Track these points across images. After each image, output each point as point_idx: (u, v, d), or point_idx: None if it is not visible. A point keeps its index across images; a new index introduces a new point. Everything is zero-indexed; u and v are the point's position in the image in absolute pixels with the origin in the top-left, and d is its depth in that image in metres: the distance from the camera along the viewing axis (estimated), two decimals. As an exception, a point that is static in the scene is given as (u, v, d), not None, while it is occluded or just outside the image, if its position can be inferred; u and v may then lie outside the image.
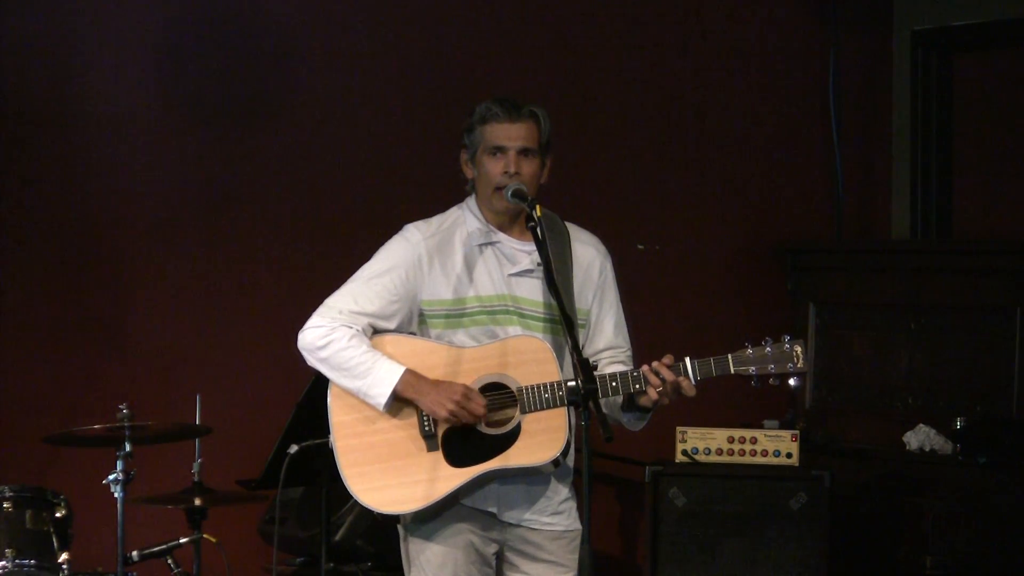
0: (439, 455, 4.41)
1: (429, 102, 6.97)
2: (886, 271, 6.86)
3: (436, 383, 4.41)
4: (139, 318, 6.97)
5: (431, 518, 4.48)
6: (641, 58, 7.16)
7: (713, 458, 6.20)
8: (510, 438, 4.39)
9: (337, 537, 6.25)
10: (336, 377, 4.46)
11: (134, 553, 5.54)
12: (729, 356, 4.40)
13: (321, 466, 5.49)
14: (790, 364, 4.41)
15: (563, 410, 4.38)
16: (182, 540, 5.69)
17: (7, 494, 5.58)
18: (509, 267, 4.52)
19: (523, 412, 4.39)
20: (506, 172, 4.46)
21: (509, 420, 4.41)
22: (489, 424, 4.42)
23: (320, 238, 6.99)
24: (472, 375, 4.43)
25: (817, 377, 6.88)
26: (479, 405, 4.38)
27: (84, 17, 6.91)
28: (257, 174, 7.05)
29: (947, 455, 6.40)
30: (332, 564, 5.85)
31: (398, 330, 4.51)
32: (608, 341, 4.60)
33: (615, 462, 6.60)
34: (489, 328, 4.48)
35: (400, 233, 4.58)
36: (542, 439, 4.38)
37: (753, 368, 4.39)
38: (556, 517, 4.53)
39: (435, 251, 4.52)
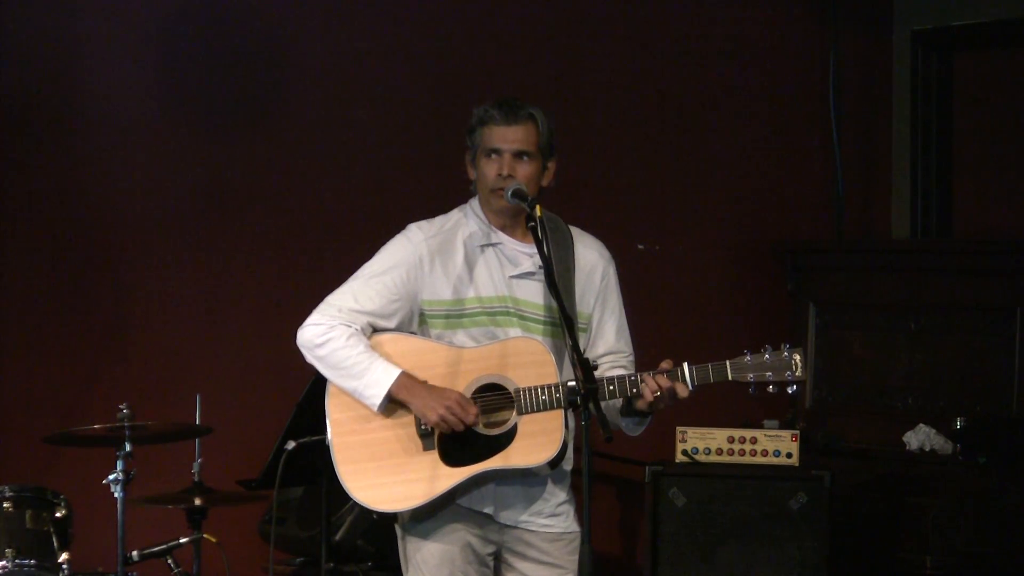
0: (435, 454, 4.41)
1: (430, 102, 6.97)
2: (886, 271, 6.86)
3: (431, 388, 4.42)
4: (139, 318, 6.96)
5: (428, 517, 4.48)
6: (641, 58, 7.16)
7: (713, 458, 6.19)
8: (506, 439, 4.39)
9: (337, 537, 6.25)
10: (333, 376, 4.46)
11: (134, 553, 5.54)
12: (727, 363, 4.40)
13: (321, 465, 5.49)
14: (788, 373, 4.40)
15: (560, 412, 4.38)
16: (182, 540, 5.69)
17: (7, 494, 5.58)
18: (510, 269, 4.52)
19: (520, 413, 4.39)
20: (500, 174, 4.46)
21: (506, 421, 4.41)
22: (486, 425, 4.43)
23: (320, 238, 6.99)
24: (470, 376, 4.44)
25: (817, 377, 6.88)
26: (470, 414, 4.38)
27: (84, 17, 6.90)
28: (257, 174, 7.05)
29: (947, 455, 6.40)
30: (332, 564, 5.85)
31: (398, 329, 4.51)
32: (609, 346, 4.60)
33: (615, 462, 6.60)
34: (489, 329, 4.48)
35: (402, 232, 4.59)
36: (538, 441, 4.38)
37: (751, 375, 4.39)
38: (553, 519, 4.53)
39: (436, 251, 4.53)
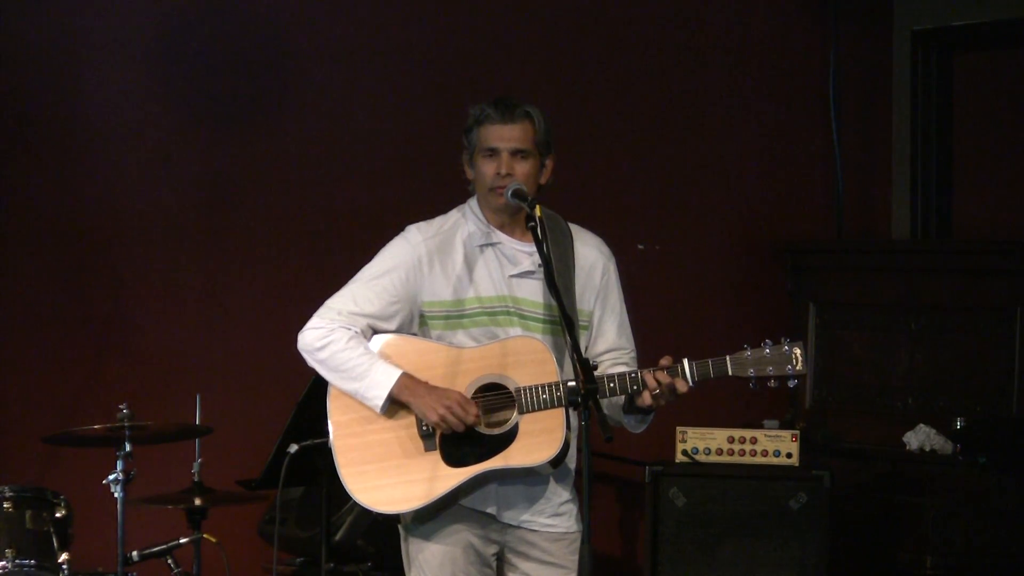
0: (437, 455, 4.41)
1: (430, 102, 6.97)
2: (886, 271, 6.86)
3: (432, 388, 4.42)
4: (139, 318, 6.97)
5: (431, 518, 4.48)
6: (641, 58, 7.16)
7: (713, 458, 6.19)
8: (508, 438, 4.39)
9: (337, 537, 6.25)
10: (334, 378, 4.46)
11: (134, 553, 5.54)
12: (727, 358, 4.40)
13: (321, 466, 5.49)
14: (789, 367, 4.40)
15: (561, 411, 4.38)
16: (182, 540, 5.69)
17: (7, 494, 5.58)
18: (510, 268, 4.52)
19: (521, 413, 4.39)
20: (498, 173, 4.46)
21: (507, 421, 4.41)
22: (487, 424, 4.43)
23: (320, 238, 6.99)
24: (471, 375, 4.44)
25: (817, 377, 6.88)
26: (471, 415, 4.38)
27: (84, 18, 6.90)
28: (257, 174, 7.05)
29: (947, 455, 6.40)
30: (332, 564, 5.85)
31: (399, 331, 4.51)
32: (610, 343, 4.60)
33: (615, 462, 6.60)
34: (489, 329, 4.48)
35: (401, 234, 4.59)
36: (540, 440, 4.38)
37: (752, 370, 4.39)
38: (556, 519, 4.53)
39: (436, 252, 4.53)
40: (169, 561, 5.67)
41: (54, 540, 5.57)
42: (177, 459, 6.07)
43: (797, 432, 6.22)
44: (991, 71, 7.14)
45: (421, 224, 4.60)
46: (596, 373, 4.34)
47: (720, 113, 7.19)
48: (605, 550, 6.89)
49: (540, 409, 4.38)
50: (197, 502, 5.76)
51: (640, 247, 7.09)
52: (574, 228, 4.62)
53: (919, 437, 6.48)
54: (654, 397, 4.36)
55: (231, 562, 5.84)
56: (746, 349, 4.40)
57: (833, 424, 6.80)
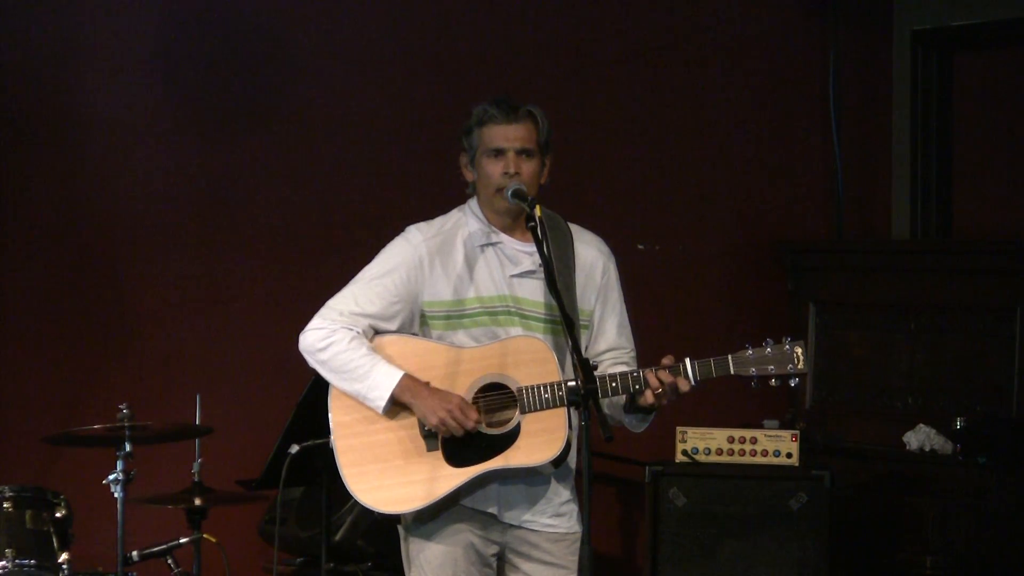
0: (439, 455, 4.41)
1: (430, 102, 6.97)
2: (886, 271, 6.86)
3: (434, 390, 4.42)
4: (139, 318, 6.96)
5: (431, 518, 4.48)
6: (641, 58, 7.16)
7: (713, 458, 6.20)
8: (510, 438, 4.39)
9: (337, 537, 6.25)
10: (335, 379, 4.46)
11: (134, 553, 5.54)
12: (729, 357, 4.40)
13: (321, 466, 5.49)
14: (790, 365, 4.40)
15: (563, 410, 4.38)
16: (182, 540, 5.70)
17: (7, 494, 5.57)
18: (511, 268, 4.52)
19: (523, 412, 4.39)
20: (505, 173, 4.46)
21: (509, 420, 4.41)
22: (489, 424, 4.42)
23: (320, 239, 6.99)
24: (472, 375, 4.44)
25: (817, 377, 6.88)
26: (470, 420, 4.38)
27: (84, 18, 6.90)
28: (257, 175, 7.05)
29: (947, 455, 6.40)
30: (332, 564, 5.85)
31: (400, 331, 4.51)
32: (611, 342, 4.60)
33: (615, 462, 6.60)
34: (490, 329, 4.48)
35: (401, 234, 4.59)
36: (542, 439, 4.38)
37: (753, 369, 4.39)
38: (557, 519, 4.53)
39: (436, 252, 4.53)
40: (169, 561, 5.67)
41: (54, 540, 5.57)
42: (177, 459, 6.06)
43: (797, 432, 6.22)
44: (991, 71, 7.14)
45: (421, 224, 4.59)
46: (597, 372, 4.36)
47: (720, 113, 7.19)
48: (605, 550, 6.89)
49: (542, 409, 4.38)
50: (197, 502, 5.76)
51: (640, 247, 7.09)
52: (574, 228, 4.63)
53: (919, 437, 6.48)
54: (656, 396, 4.36)
55: (231, 562, 5.84)
56: (747, 348, 4.40)
57: (833, 424, 6.80)
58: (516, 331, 4.48)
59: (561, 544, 4.53)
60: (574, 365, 4.21)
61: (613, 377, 4.39)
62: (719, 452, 6.19)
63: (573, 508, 4.55)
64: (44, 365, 6.88)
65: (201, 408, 5.82)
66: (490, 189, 4.49)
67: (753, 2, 7.20)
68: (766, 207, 7.22)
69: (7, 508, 5.56)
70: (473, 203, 4.59)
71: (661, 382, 4.35)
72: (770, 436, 6.18)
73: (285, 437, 5.58)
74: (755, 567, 6.04)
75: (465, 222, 4.57)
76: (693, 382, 4.37)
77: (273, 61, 7.01)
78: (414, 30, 7.07)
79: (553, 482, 4.51)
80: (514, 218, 4.53)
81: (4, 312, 6.89)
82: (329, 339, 4.45)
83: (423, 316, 4.53)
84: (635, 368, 4.49)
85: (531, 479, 4.47)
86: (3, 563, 5.44)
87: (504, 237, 4.54)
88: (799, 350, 4.41)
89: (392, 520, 4.56)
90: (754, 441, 6.18)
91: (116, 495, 5.34)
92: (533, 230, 4.34)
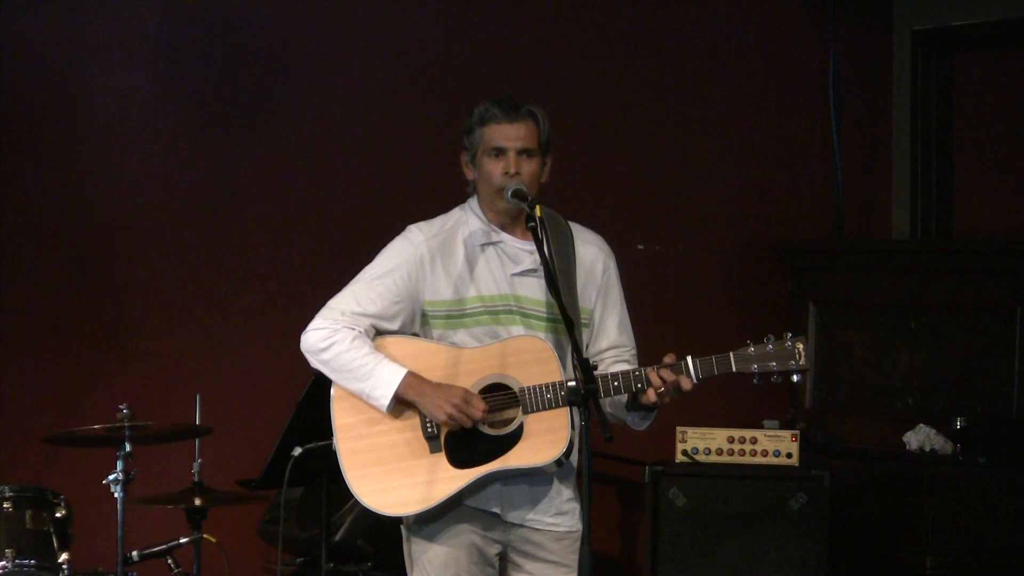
0: (442, 456, 4.41)
1: (430, 102, 6.97)
2: (886, 271, 6.86)
3: (437, 385, 4.41)
4: (139, 318, 6.96)
5: (434, 519, 4.47)
6: (641, 58, 7.16)
7: (713, 458, 6.20)
8: (513, 439, 4.39)
9: (337, 537, 6.25)
10: (339, 379, 4.46)
11: (134, 553, 5.54)
12: (731, 354, 4.40)
13: (321, 466, 5.49)
14: (792, 361, 4.40)
15: (565, 410, 4.37)
16: (182, 540, 5.69)
17: (7, 494, 5.57)
18: (512, 267, 4.52)
19: (525, 412, 4.39)
20: (506, 172, 4.46)
21: (511, 421, 4.41)
22: (491, 425, 4.42)
23: (320, 238, 6.99)
24: (474, 376, 4.43)
25: (817, 377, 6.88)
26: (478, 409, 4.38)
27: (84, 17, 6.90)
28: (257, 174, 7.04)
29: (947, 455, 6.40)
30: (332, 564, 5.85)
31: (401, 331, 4.51)
32: (612, 340, 4.60)
33: (615, 462, 6.60)
34: (492, 328, 4.48)
35: (402, 234, 4.58)
36: (545, 439, 4.38)
37: (755, 366, 4.39)
38: (560, 517, 4.53)
39: (437, 251, 4.52)
40: (169, 561, 5.67)
41: (54, 540, 5.57)
42: (177, 459, 6.06)
43: (797, 432, 6.22)
44: (991, 71, 7.14)
45: (422, 224, 4.59)
46: (599, 371, 4.36)
47: (720, 113, 7.19)
48: (605, 550, 6.89)
49: (545, 409, 4.38)
50: (197, 502, 5.76)
51: (640, 247, 7.09)
52: (574, 226, 4.63)
53: (919, 437, 6.48)
54: (659, 395, 4.36)
55: (231, 562, 5.84)
56: (749, 345, 4.40)
57: (833, 424, 6.80)
58: (517, 330, 4.48)
59: (563, 543, 4.53)
60: (574, 365, 4.21)
61: (615, 376, 4.39)
62: (719, 452, 6.19)
63: (575, 506, 4.55)
64: (44, 365, 6.88)
65: (201, 408, 5.81)
66: (491, 188, 4.49)
67: (753, 2, 7.20)
68: (766, 207, 7.21)
69: (7, 508, 5.56)
70: (473, 202, 4.59)
71: (663, 380, 4.35)
72: (770, 436, 6.18)
73: (285, 437, 5.58)
74: (755, 567, 6.04)
75: (466, 221, 4.57)
76: (695, 380, 4.37)
77: (273, 61, 7.00)
78: (414, 30, 7.07)
79: (555, 481, 4.51)
80: (514, 217, 4.52)
81: (4, 312, 6.89)
82: (331, 339, 4.44)
83: (424, 315, 4.52)
84: (637, 366, 4.49)
85: (534, 479, 4.47)
86: (3, 563, 5.44)
87: (505, 236, 4.54)
88: (800, 346, 4.40)
89: (393, 520, 4.55)
90: (754, 441, 6.18)
91: (116, 495, 5.33)
92: (533, 230, 4.33)
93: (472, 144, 4.53)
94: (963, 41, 7.12)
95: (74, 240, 6.94)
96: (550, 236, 4.39)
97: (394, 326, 4.50)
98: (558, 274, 4.33)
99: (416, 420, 4.44)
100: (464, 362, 4.44)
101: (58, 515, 5.61)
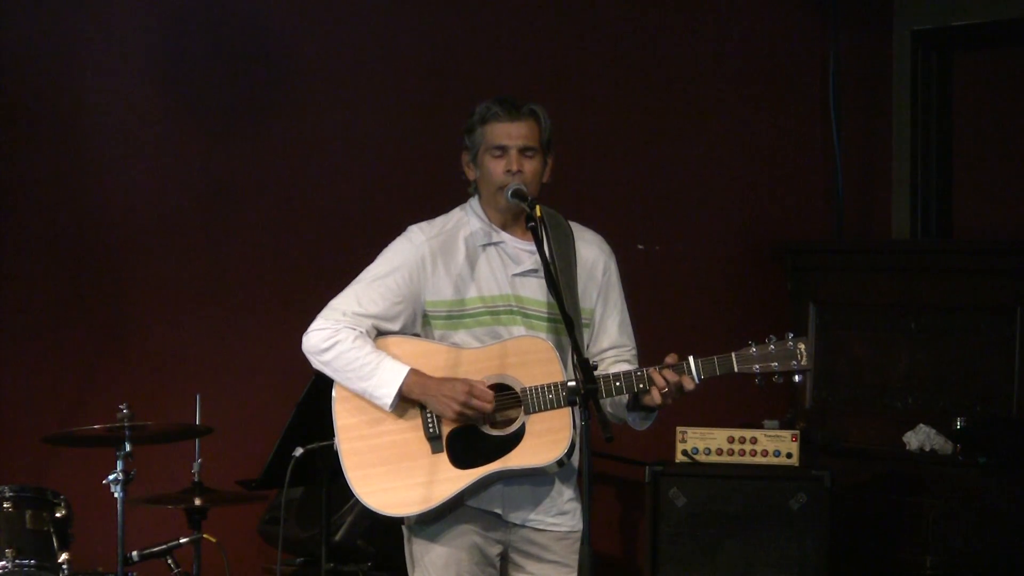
0: (444, 457, 4.41)
1: (430, 102, 6.97)
2: (886, 271, 6.85)
3: (441, 381, 4.41)
4: (139, 318, 6.96)
5: (436, 519, 4.47)
6: (640, 57, 7.16)
7: (713, 458, 6.20)
8: (515, 439, 4.39)
9: (337, 537, 6.25)
10: (341, 379, 4.46)
11: (134, 553, 5.54)
12: (733, 355, 4.40)
13: (321, 466, 5.49)
14: (794, 362, 4.40)
15: (567, 410, 4.37)
16: (182, 540, 5.69)
17: (7, 494, 5.58)
18: (513, 267, 4.52)
19: (527, 413, 4.39)
20: (508, 171, 4.46)
21: (513, 421, 4.41)
22: (493, 425, 4.42)
23: (321, 238, 6.99)
24: (475, 376, 4.43)
25: (817, 377, 6.88)
26: (486, 401, 4.38)
27: (84, 18, 6.90)
28: (257, 174, 7.05)
29: (947, 455, 6.39)
30: (332, 564, 5.85)
31: (402, 331, 4.51)
32: (612, 340, 4.61)
33: (615, 462, 6.60)
34: (493, 328, 4.48)
35: (403, 234, 4.59)
36: (547, 439, 4.38)
37: (757, 366, 4.39)
38: (561, 517, 4.53)
39: (438, 252, 4.53)
40: (169, 561, 5.67)
41: (54, 540, 5.57)
42: (177, 459, 6.07)
43: (797, 432, 6.22)
44: (991, 71, 7.13)
45: (423, 224, 4.60)
46: (601, 371, 4.37)
47: (720, 113, 7.19)
48: (605, 550, 6.89)
49: (547, 409, 4.38)
50: (197, 502, 5.76)
51: (640, 247, 7.09)
52: (574, 226, 4.63)
53: (919, 437, 6.48)
54: (663, 396, 4.36)
55: (231, 562, 5.84)
56: (751, 345, 4.41)
57: (833, 424, 6.80)
58: (519, 330, 4.48)
59: (565, 542, 4.53)
60: (574, 365, 4.21)
61: (617, 376, 4.39)
62: (719, 452, 6.19)
63: (576, 506, 4.55)
64: (44, 365, 6.88)
65: (201, 408, 5.82)
66: (492, 187, 4.49)
67: (753, 2, 7.20)
68: (766, 207, 7.21)
69: (7, 508, 5.56)
70: (474, 202, 4.59)
71: (666, 381, 4.35)
72: (770, 436, 6.18)
73: (285, 437, 5.59)
74: (755, 567, 6.04)
75: (467, 221, 4.57)
76: (697, 380, 4.37)
77: (273, 62, 7.01)
78: (414, 29, 7.07)
79: (557, 481, 4.51)
80: (515, 216, 4.53)
81: (4, 312, 6.89)
82: (333, 339, 4.44)
83: (425, 316, 4.53)
84: (638, 367, 4.48)
85: (535, 478, 4.47)
86: (3, 563, 5.44)
87: (506, 236, 4.54)
88: (802, 346, 4.40)
89: (392, 520, 4.55)
90: (754, 441, 6.18)
91: (116, 495, 5.33)
92: (533, 230, 4.33)
93: (473, 143, 4.53)
94: (963, 41, 7.12)
95: (74, 240, 6.95)
96: (550, 236, 4.39)
97: (395, 327, 4.50)
98: (559, 274, 4.34)
99: (418, 420, 4.44)
100: (465, 362, 4.44)
101: (58, 515, 5.61)
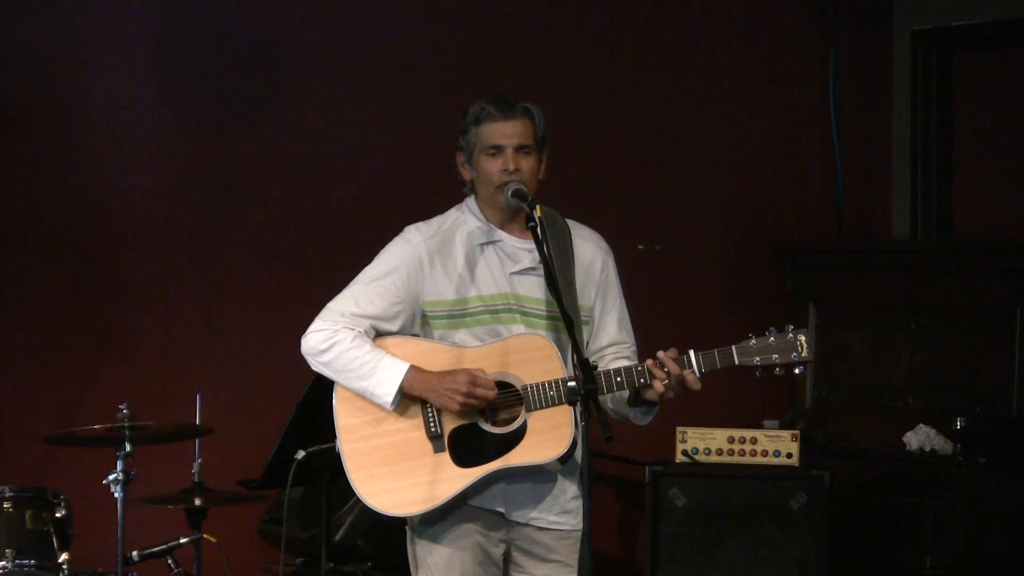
0: (446, 456, 4.41)
1: (429, 102, 6.97)
2: (886, 271, 6.85)
3: (442, 375, 4.41)
4: (139, 318, 6.96)
5: (438, 519, 4.47)
6: (641, 57, 7.16)
7: (713, 458, 6.19)
8: (516, 437, 4.39)
9: (337, 537, 6.25)
10: (341, 379, 4.45)
11: (134, 553, 5.54)
12: (733, 347, 4.40)
13: (321, 467, 5.49)
14: (794, 354, 4.39)
15: (569, 407, 4.36)
16: (182, 540, 5.69)
17: (7, 494, 5.57)
18: (511, 265, 4.52)
19: (529, 410, 4.39)
20: (505, 170, 4.46)
21: (515, 418, 4.41)
22: (495, 423, 4.42)
23: (321, 238, 6.99)
24: (477, 374, 4.44)
25: (817, 377, 6.88)
26: (489, 389, 4.38)
27: (84, 17, 6.90)
28: (257, 174, 7.05)
29: (947, 455, 6.39)
30: (332, 564, 5.85)
31: (400, 332, 4.51)
32: (612, 337, 4.61)
33: (615, 462, 6.60)
34: (493, 327, 4.48)
35: (400, 235, 4.59)
36: (549, 437, 4.38)
37: (758, 359, 4.38)
38: (564, 516, 4.53)
39: (436, 252, 4.52)
40: (169, 561, 5.67)
41: (54, 540, 5.57)
42: (177, 459, 6.06)
43: (797, 432, 6.22)
44: (991, 71, 7.14)
45: (420, 224, 4.59)
46: (601, 367, 4.37)
47: (720, 113, 7.19)
48: (605, 550, 6.89)
49: (548, 406, 4.38)
50: (197, 502, 5.76)
51: (640, 247, 7.09)
52: (572, 224, 4.63)
53: (919, 437, 6.48)
54: (665, 387, 4.35)
55: (231, 562, 5.84)
56: (751, 338, 4.40)
57: (833, 424, 6.80)
58: (518, 329, 4.48)
59: (567, 542, 4.53)
60: (574, 365, 4.21)
61: (618, 372, 4.39)
62: (719, 452, 6.19)
63: (579, 504, 4.54)
64: (44, 365, 6.88)
65: (201, 408, 5.81)
66: (490, 187, 4.49)
67: (753, 2, 7.20)
68: (766, 207, 7.21)
69: (7, 508, 5.56)
70: (471, 202, 4.59)
71: (667, 373, 4.35)
72: (770, 436, 6.18)
73: (285, 437, 5.58)
74: (755, 567, 6.04)
75: (464, 221, 4.57)
76: (698, 373, 4.36)
77: (273, 61, 7.01)
78: (412, 30, 7.07)
79: (560, 479, 4.50)
80: (513, 214, 4.53)
81: (4, 312, 6.89)
82: (332, 340, 4.44)
83: (424, 316, 4.53)
84: (639, 363, 4.48)
85: (537, 476, 4.47)
86: (3, 563, 5.44)
87: (503, 235, 4.54)
88: (803, 338, 4.40)
89: (394, 520, 4.55)
90: (754, 441, 6.17)
91: (116, 495, 5.34)
92: (533, 230, 4.33)
93: (468, 144, 4.53)
94: (963, 41, 7.12)
95: (74, 240, 6.95)
96: (549, 235, 4.39)
97: (394, 327, 4.50)
98: (557, 273, 4.34)
99: (419, 420, 4.44)
100: (466, 361, 4.44)
101: (58, 515, 5.61)
